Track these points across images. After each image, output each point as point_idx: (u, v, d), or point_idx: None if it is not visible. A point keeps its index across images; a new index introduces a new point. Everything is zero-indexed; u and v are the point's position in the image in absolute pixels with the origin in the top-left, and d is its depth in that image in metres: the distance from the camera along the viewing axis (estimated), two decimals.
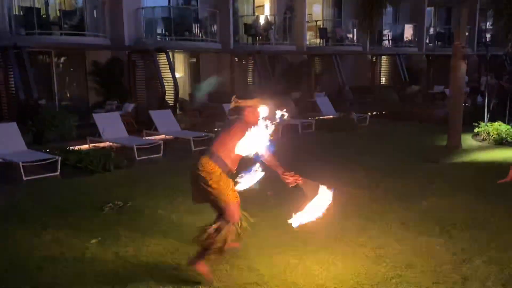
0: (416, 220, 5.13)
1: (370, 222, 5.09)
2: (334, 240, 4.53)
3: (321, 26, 19.79)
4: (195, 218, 5.29)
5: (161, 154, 9.14)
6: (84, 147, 9.65)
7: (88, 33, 12.95)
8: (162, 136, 10.63)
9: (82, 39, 12.80)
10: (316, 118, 13.37)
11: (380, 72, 22.53)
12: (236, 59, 17.09)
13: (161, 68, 13.33)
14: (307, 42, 19.45)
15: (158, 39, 15.01)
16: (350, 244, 4.47)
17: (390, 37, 22.18)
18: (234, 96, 3.76)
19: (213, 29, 16.33)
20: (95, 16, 13.83)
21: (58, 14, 13.06)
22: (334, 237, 4.61)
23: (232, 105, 3.73)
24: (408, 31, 22.45)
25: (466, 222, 5.05)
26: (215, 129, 11.34)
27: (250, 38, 17.41)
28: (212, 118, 13.05)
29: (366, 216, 5.29)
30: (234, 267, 4.00)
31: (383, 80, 22.51)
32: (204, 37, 15.75)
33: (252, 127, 3.51)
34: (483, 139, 10.34)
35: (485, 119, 10.97)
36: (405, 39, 22.20)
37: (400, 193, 6.25)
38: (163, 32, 15.34)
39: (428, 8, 23.15)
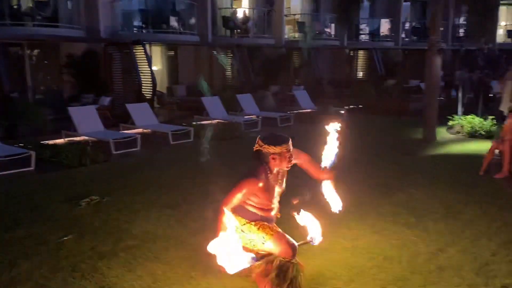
0: (392, 211, 5.21)
1: (347, 213, 5.10)
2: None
3: (299, 20, 19.84)
4: (173, 212, 5.28)
5: (138, 148, 9.03)
6: (59, 141, 9.45)
7: (62, 24, 12.62)
8: (140, 130, 10.51)
9: (56, 31, 12.46)
10: (295, 111, 13.44)
11: (357, 66, 22.76)
12: (215, 52, 16.99)
13: (138, 61, 13.14)
14: (286, 36, 19.47)
15: (135, 31, 14.78)
16: (328, 235, 4.47)
17: (367, 32, 22.40)
18: (259, 137, 3.29)
19: (191, 22, 16.18)
20: (69, 7, 13.50)
21: (31, 5, 12.69)
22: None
23: (256, 147, 3.26)
24: (385, 26, 22.71)
25: (441, 213, 5.16)
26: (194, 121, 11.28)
27: (228, 31, 17.32)
28: (191, 111, 12.99)
29: (343, 207, 5.33)
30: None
31: (360, 74, 22.74)
32: (181, 29, 15.58)
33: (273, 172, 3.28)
34: (457, 132, 10.58)
35: (459, 113, 11.21)
36: (382, 34, 22.46)
37: (376, 184, 6.34)
38: (140, 25, 15.10)
39: (404, 3, 23.45)
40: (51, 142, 9.08)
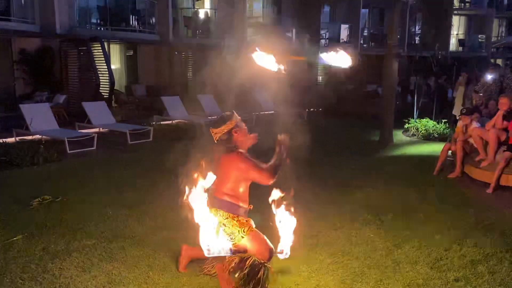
0: (351, 209, 5.29)
1: (307, 211, 5.16)
2: (271, 228, 4.54)
3: (262, 23, 19.94)
4: (130, 211, 5.13)
5: (94, 147, 8.74)
6: (10, 140, 9.02)
7: (15, 18, 12.08)
8: (96, 129, 10.19)
9: (8, 25, 11.91)
10: (256, 113, 13.45)
11: (317, 70, 23.11)
12: (176, 52, 16.79)
13: (95, 59, 12.76)
14: (248, 39, 19.49)
15: (93, 28, 14.35)
16: None
17: (327, 37, 22.80)
18: (210, 128, 3.31)
19: (151, 21, 15.91)
20: (22, 0, 12.93)
21: None
22: (271, 225, 4.62)
23: (215, 137, 3.28)
24: (344, 32, 23.20)
25: (397, 211, 5.28)
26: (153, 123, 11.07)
27: (190, 32, 17.16)
28: (150, 111, 12.74)
29: (303, 205, 5.36)
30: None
31: (320, 79, 23.10)
32: (141, 28, 15.29)
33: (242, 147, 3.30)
34: (413, 135, 10.94)
35: (415, 116, 11.60)
36: (341, 40, 22.92)
37: (336, 184, 6.42)
38: (98, 22, 14.69)
39: (363, 10, 24.07)
40: (1, 140, 8.63)
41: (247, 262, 3.16)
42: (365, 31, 25.12)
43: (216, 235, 3.22)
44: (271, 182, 3.21)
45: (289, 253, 3.50)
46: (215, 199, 3.30)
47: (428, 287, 3.46)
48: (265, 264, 3.17)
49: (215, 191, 3.34)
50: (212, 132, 3.29)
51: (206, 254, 3.20)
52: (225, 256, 3.27)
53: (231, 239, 3.24)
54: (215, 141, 3.31)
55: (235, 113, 3.33)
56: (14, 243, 4.19)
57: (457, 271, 3.72)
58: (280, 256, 3.48)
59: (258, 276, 3.13)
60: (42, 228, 4.59)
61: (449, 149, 7.20)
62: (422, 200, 5.73)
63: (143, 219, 4.86)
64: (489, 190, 6.09)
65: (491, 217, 5.12)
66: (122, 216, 4.97)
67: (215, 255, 3.21)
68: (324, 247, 4.21)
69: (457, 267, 3.80)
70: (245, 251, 3.23)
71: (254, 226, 3.46)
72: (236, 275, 3.16)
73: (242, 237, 3.22)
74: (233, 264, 3.20)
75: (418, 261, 3.93)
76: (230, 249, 3.21)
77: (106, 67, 12.78)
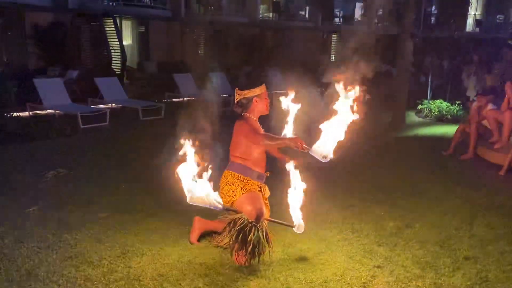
0: (361, 189, 5.31)
1: (318, 190, 5.17)
2: (280, 207, 4.57)
3: (274, 0, 19.68)
4: (143, 185, 5.20)
5: (107, 123, 8.82)
6: (24, 114, 9.12)
7: None
8: (109, 105, 10.25)
9: None
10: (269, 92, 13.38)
11: (330, 50, 22.83)
12: (187, 29, 16.69)
13: (107, 35, 12.73)
14: (260, 16, 19.28)
15: (104, 3, 14.28)
16: None
17: (341, 15, 22.45)
18: (237, 88, 3.50)
19: None
20: None
21: None
22: (280, 203, 4.65)
23: (237, 98, 3.49)
24: (358, 10, 22.80)
25: (408, 191, 5.29)
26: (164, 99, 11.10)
27: (202, 8, 17.00)
28: (161, 88, 12.74)
29: (312, 186, 5.38)
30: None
31: (333, 58, 22.84)
32: (153, 4, 15.19)
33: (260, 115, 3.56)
34: (425, 116, 10.83)
35: (428, 97, 11.46)
36: (356, 19, 22.55)
37: (346, 164, 6.37)
38: None
39: None
40: (15, 114, 8.72)
41: (237, 223, 3.32)
42: (380, 10, 24.62)
43: (219, 190, 3.40)
44: (260, 143, 3.34)
45: (302, 227, 3.57)
46: (230, 163, 3.50)
47: (437, 265, 3.48)
48: (254, 224, 3.28)
49: (230, 155, 3.52)
50: (237, 93, 3.49)
51: (188, 201, 3.28)
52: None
53: (233, 196, 3.40)
54: (235, 102, 3.51)
55: (264, 85, 3.55)
56: (30, 214, 4.29)
57: (466, 250, 3.74)
58: (295, 230, 3.59)
59: (249, 237, 3.24)
60: (57, 199, 4.68)
61: (463, 130, 7.12)
62: (433, 181, 5.71)
63: (156, 193, 4.92)
64: (502, 172, 6.05)
65: (503, 198, 5.10)
66: (135, 190, 5.05)
67: (199, 204, 3.28)
68: (334, 224, 4.25)
69: (467, 247, 3.81)
70: (238, 211, 3.38)
71: (267, 193, 3.61)
72: (227, 234, 3.37)
73: (242, 193, 3.39)
74: (226, 225, 3.40)
75: (428, 239, 3.94)
76: (220, 205, 3.28)
77: (118, 43, 12.76)
